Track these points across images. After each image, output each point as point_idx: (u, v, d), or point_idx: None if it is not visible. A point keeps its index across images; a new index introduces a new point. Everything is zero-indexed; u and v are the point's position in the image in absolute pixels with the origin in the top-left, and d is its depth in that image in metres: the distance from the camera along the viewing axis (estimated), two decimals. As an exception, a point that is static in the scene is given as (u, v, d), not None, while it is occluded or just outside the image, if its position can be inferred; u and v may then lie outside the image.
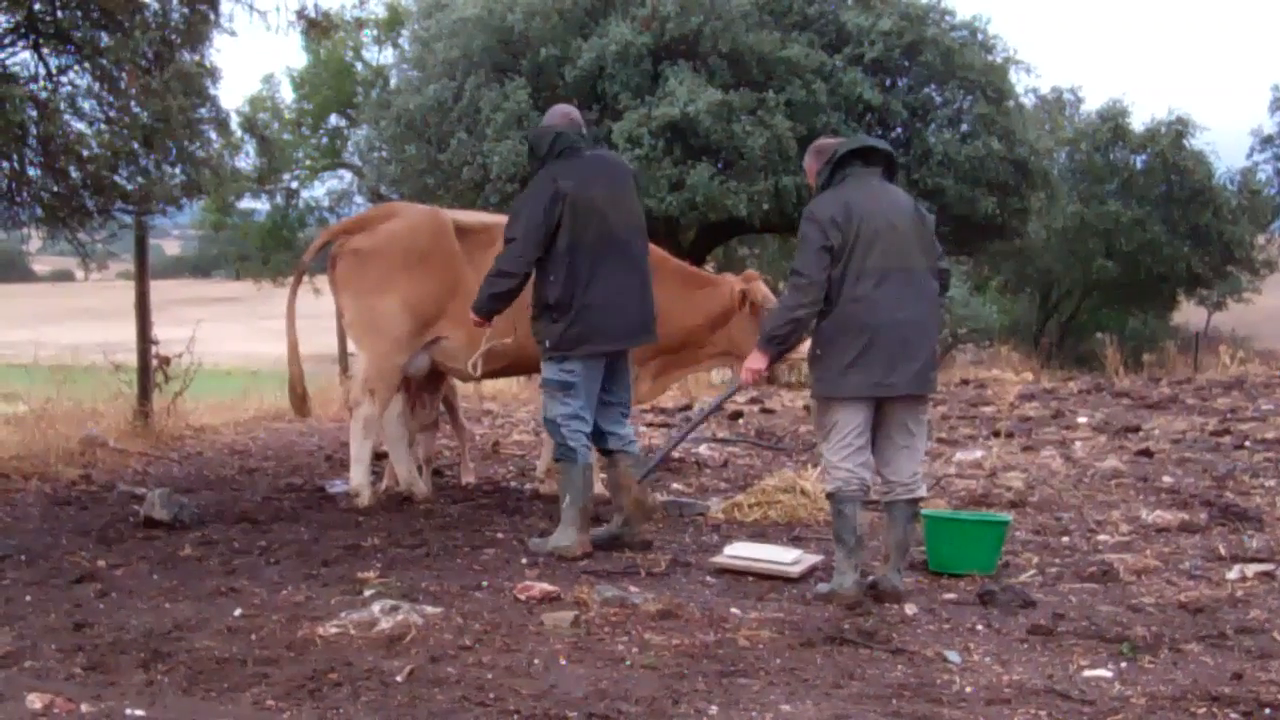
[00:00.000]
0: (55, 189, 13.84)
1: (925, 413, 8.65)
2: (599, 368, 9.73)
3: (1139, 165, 44.77)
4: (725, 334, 11.92)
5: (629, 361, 10.14)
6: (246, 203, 44.08)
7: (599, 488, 10.68)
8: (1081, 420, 17.95)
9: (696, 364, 12.52)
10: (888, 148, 8.66)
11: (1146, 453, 14.47)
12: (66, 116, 13.53)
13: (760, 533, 10.44)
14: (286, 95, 46.42)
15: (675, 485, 12.85)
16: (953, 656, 7.08)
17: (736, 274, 12.33)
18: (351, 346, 11.81)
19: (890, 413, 8.34)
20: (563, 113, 10.09)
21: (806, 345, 8.48)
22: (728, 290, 11.89)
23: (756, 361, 8.39)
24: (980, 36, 31.38)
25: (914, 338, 8.25)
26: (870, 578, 8.43)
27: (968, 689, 6.53)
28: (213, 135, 15.31)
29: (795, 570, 8.86)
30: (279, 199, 45.57)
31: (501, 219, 12.15)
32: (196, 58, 14.33)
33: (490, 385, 21.81)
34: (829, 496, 8.39)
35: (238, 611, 7.73)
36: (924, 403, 8.58)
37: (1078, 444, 15.48)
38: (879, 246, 8.14)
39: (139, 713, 5.92)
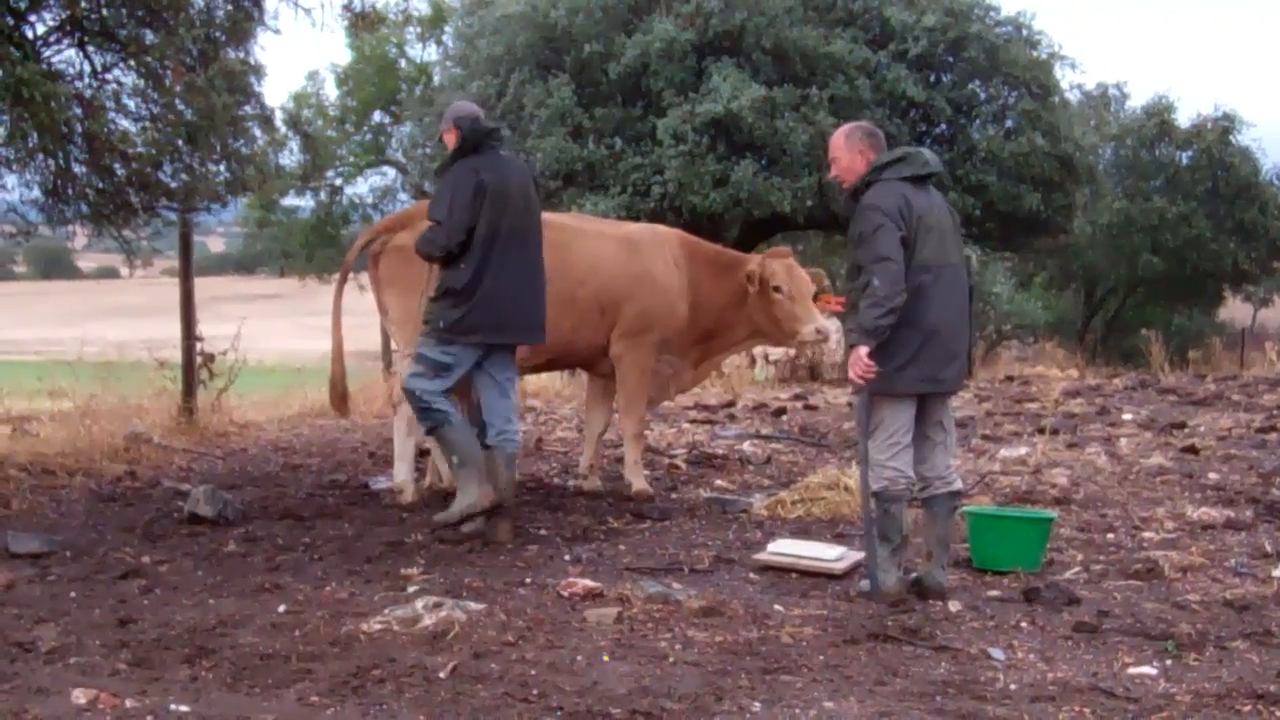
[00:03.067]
0: (100, 186, 13.89)
1: (951, 407, 8.66)
2: (476, 355, 9.96)
3: (1185, 161, 44.47)
4: (746, 313, 11.86)
5: (514, 355, 10.30)
6: (290, 200, 44.32)
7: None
8: (1127, 417, 17.89)
9: (732, 346, 12.53)
10: (939, 169, 8.62)
11: (1192, 450, 14.40)
12: (111, 114, 13.57)
13: (804, 529, 10.43)
14: (331, 92, 46.56)
15: (719, 482, 12.85)
16: (997, 654, 7.07)
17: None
18: (394, 344, 11.83)
19: (930, 410, 8.34)
20: (475, 110, 10.35)
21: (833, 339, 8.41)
22: (758, 266, 11.85)
23: (860, 355, 8.14)
24: (1025, 32, 31.29)
25: (960, 334, 8.33)
26: (913, 575, 8.41)
27: (1012, 686, 6.52)
28: (257, 132, 15.34)
29: (839, 567, 8.86)
30: (323, 196, 45.68)
31: (545, 215, 12.23)
32: (241, 55, 14.36)
33: (533, 382, 21.80)
34: (875, 495, 8.35)
35: (282, 608, 7.76)
36: (952, 397, 8.60)
37: (1123, 441, 15.41)
38: (932, 241, 8.17)
39: (183, 708, 5.95)
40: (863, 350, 8.09)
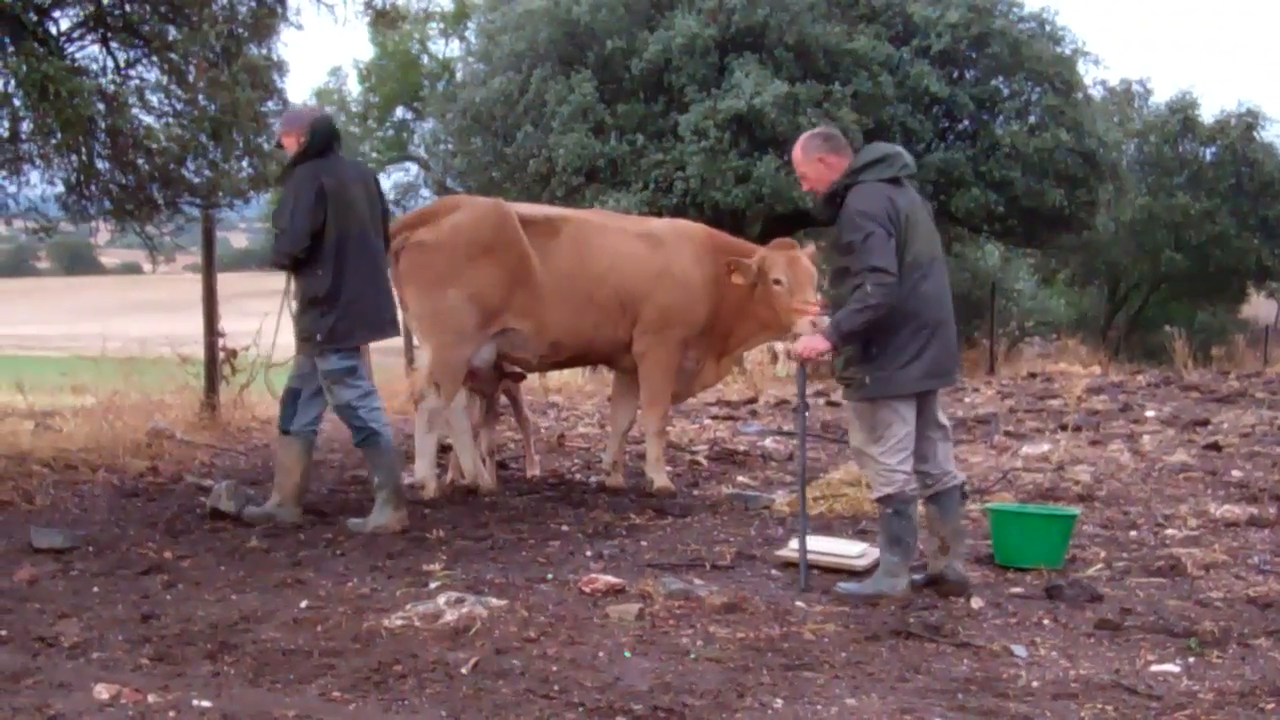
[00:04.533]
0: (123, 182, 13.93)
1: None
2: (365, 352, 10.38)
3: (1208, 157, 44.36)
4: (754, 306, 11.77)
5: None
6: (313, 195, 44.27)
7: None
8: (1150, 414, 17.85)
9: (750, 338, 12.42)
10: (914, 170, 8.57)
11: (1215, 447, 14.37)
12: (135, 110, 13.61)
13: (825, 526, 10.41)
14: (353, 88, 46.63)
15: (740, 478, 12.85)
16: (1019, 651, 7.06)
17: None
18: (416, 339, 11.85)
19: (927, 408, 8.31)
20: (314, 110, 10.91)
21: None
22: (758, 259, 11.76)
23: (820, 344, 8.24)
24: (1048, 28, 31.31)
25: (952, 327, 8.33)
26: (920, 575, 8.40)
27: (1034, 683, 6.51)
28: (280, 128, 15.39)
29: (861, 564, 8.84)
30: (345, 191, 45.64)
31: (566, 211, 12.25)
32: (264, 51, 14.40)
33: (555, 378, 21.81)
34: (885, 500, 8.23)
35: (304, 603, 7.78)
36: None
37: (1146, 438, 15.37)
38: (920, 239, 8.15)
39: (205, 703, 5.96)
40: (822, 345, 8.17)
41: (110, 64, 13.78)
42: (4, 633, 7.15)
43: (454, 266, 11.02)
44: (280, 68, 14.81)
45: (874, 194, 8.10)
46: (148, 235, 15.22)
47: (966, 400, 20.57)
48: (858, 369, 8.19)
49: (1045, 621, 7.71)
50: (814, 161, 8.43)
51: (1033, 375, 26.26)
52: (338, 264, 9.93)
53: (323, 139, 10.12)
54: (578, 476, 12.98)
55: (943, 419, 8.46)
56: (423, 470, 11.37)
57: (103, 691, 6.02)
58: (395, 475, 10.22)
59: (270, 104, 14.66)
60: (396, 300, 10.69)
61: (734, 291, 11.64)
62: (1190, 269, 43.94)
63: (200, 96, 13.63)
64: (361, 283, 10.02)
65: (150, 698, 6.00)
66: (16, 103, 12.75)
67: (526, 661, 6.64)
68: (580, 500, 11.49)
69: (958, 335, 8.50)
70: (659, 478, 11.88)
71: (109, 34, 13.58)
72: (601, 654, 6.84)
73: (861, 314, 7.97)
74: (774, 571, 8.90)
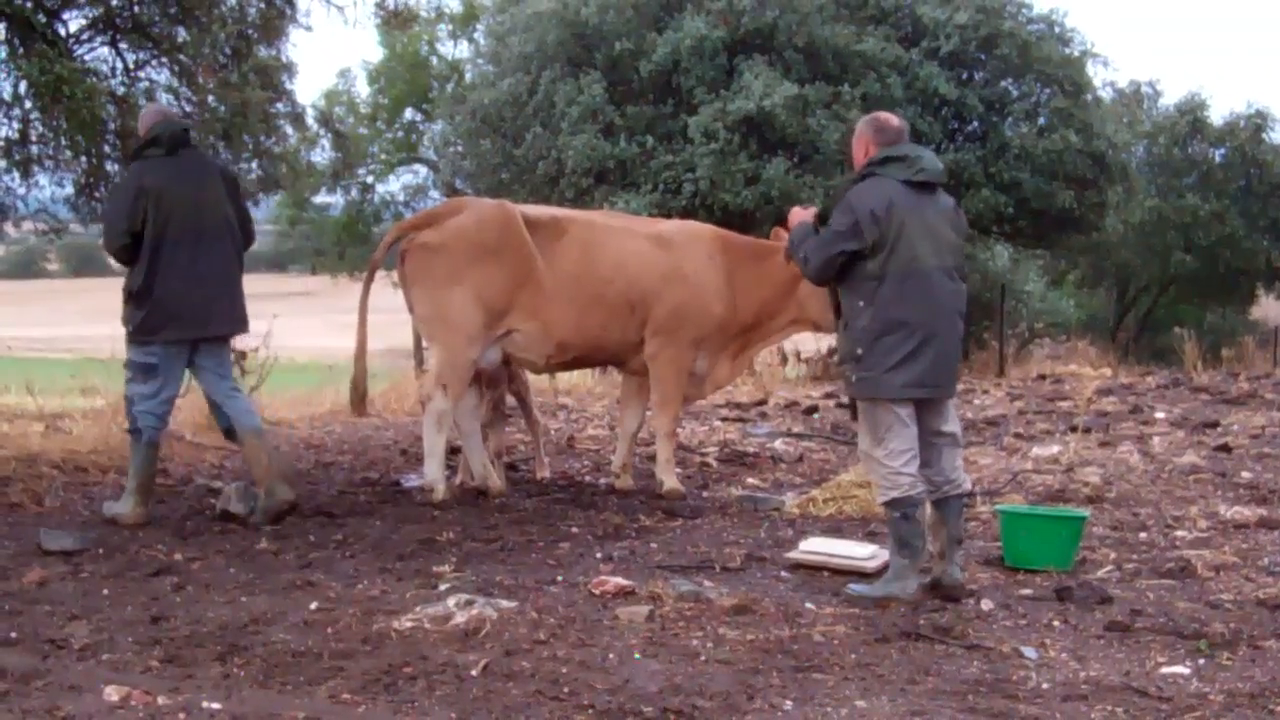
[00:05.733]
0: (133, 183, 13.97)
1: (951, 408, 8.60)
2: (182, 352, 10.45)
3: (1218, 159, 44.27)
4: (795, 300, 11.75)
5: (228, 346, 11.05)
6: (322, 197, 44.40)
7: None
8: (1159, 415, 17.82)
9: (771, 336, 12.42)
10: (937, 178, 8.49)
11: (1225, 448, 14.34)
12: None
13: (835, 528, 10.41)
14: (362, 89, 46.66)
15: (750, 480, 12.84)
16: (1029, 652, 7.06)
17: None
18: (424, 341, 11.85)
19: (927, 416, 8.27)
20: (160, 111, 10.87)
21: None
22: None
23: (797, 217, 8.99)
24: (1057, 29, 31.29)
25: (957, 337, 8.26)
26: (927, 577, 8.37)
27: (1044, 685, 6.50)
28: (289, 130, 15.42)
29: (871, 566, 8.83)
30: (354, 193, 45.72)
31: (572, 212, 12.25)
32: (273, 52, 14.44)
33: (565, 379, 21.79)
34: (892, 504, 8.20)
35: (314, 605, 7.77)
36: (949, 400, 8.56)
37: (1156, 439, 15.34)
38: (919, 245, 8.06)
39: (215, 705, 5.96)
40: (796, 218, 8.92)
41: (120, 65, 13.82)
42: (14, 635, 7.16)
43: (458, 268, 11.03)
44: (289, 69, 14.86)
45: (872, 191, 8.15)
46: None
47: (976, 402, 20.54)
48: (847, 366, 8.26)
49: (1055, 623, 7.71)
50: (856, 139, 8.58)
51: (1042, 377, 26.20)
52: (153, 262, 10.11)
53: (163, 140, 10.27)
54: (587, 478, 12.98)
55: (949, 426, 8.39)
56: (432, 472, 11.36)
57: (112, 693, 6.03)
58: (144, 474, 10.47)
59: (280, 105, 14.69)
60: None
61: (755, 289, 11.66)
62: (1199, 270, 43.88)
63: (210, 98, 13.68)
64: (179, 281, 10.14)
65: (160, 699, 6.00)
66: (28, 104, 12.79)
67: (536, 663, 6.64)
68: (590, 502, 11.49)
69: (964, 340, 8.46)
70: (669, 480, 11.86)
71: (118, 35, 13.62)
72: (611, 656, 6.84)
73: (799, 250, 8.56)
74: (784, 573, 8.90)
